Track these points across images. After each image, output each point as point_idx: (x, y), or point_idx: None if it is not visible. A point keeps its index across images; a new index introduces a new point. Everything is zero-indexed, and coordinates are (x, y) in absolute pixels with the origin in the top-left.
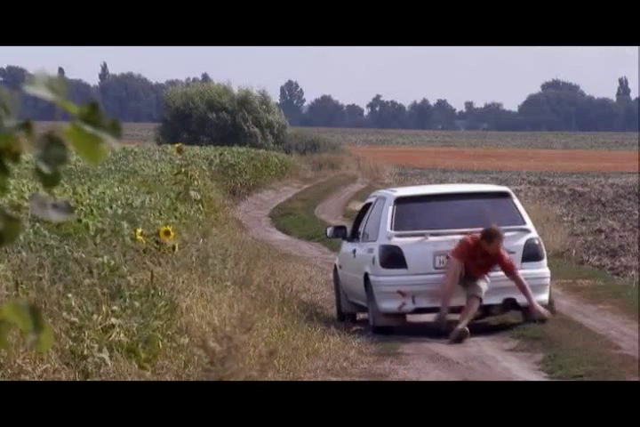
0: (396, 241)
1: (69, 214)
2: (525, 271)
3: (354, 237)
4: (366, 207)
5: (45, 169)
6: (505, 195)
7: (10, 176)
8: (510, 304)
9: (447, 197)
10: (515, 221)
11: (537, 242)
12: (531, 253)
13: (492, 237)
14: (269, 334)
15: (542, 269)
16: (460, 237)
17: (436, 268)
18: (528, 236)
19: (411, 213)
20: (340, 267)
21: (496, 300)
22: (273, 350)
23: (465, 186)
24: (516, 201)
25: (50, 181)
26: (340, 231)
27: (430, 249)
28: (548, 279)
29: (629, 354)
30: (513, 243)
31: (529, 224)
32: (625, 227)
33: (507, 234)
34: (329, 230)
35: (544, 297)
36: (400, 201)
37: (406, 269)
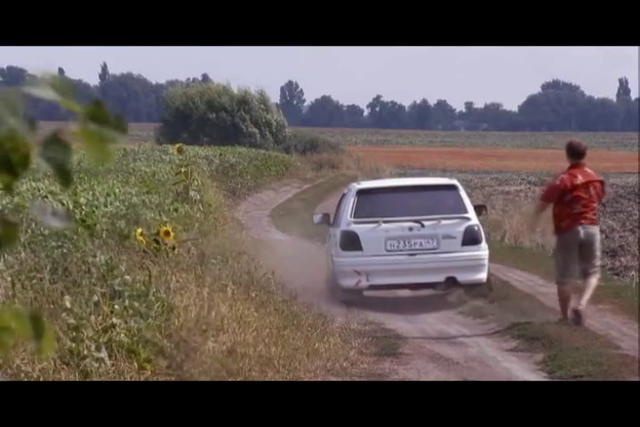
0: (354, 227)
1: (67, 223)
2: (465, 253)
3: (334, 223)
4: (343, 197)
5: (48, 169)
6: (452, 187)
7: (18, 180)
8: (452, 282)
9: (402, 189)
10: (458, 210)
11: (476, 228)
12: (470, 238)
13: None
14: (269, 333)
15: (480, 252)
16: (408, 224)
17: (387, 250)
18: (468, 223)
19: (369, 202)
20: (327, 249)
21: (439, 278)
22: (231, 350)
23: (419, 179)
24: (462, 193)
25: (64, 181)
26: (325, 218)
27: (382, 234)
28: (486, 260)
29: (629, 354)
30: (455, 229)
31: (470, 213)
32: (625, 227)
33: (451, 221)
34: (316, 218)
35: (482, 276)
36: (361, 192)
37: (362, 251)
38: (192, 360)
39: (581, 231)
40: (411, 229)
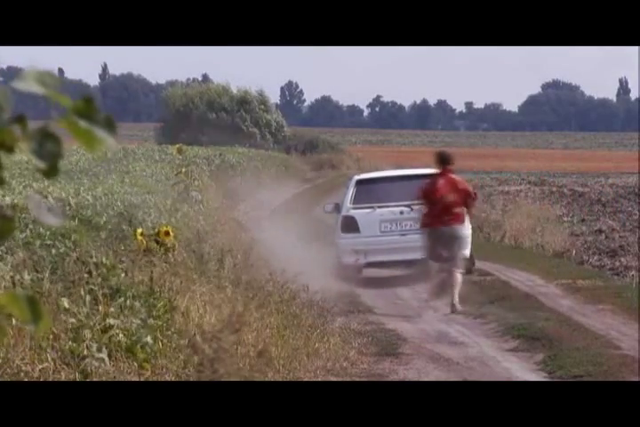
0: (353, 212)
1: (62, 219)
2: None
3: (339, 210)
4: (347, 187)
5: (40, 164)
6: None
7: (4, 168)
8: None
9: (395, 179)
10: None
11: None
12: None
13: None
14: (270, 334)
15: (463, 231)
16: (400, 208)
17: (382, 232)
18: None
19: (367, 191)
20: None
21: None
22: (262, 351)
23: (410, 170)
24: None
25: (49, 173)
26: (335, 207)
27: (377, 218)
28: (468, 238)
29: (629, 354)
30: None
31: None
32: (625, 227)
33: None
34: (328, 207)
35: (465, 252)
36: (360, 182)
37: (359, 233)
38: (223, 360)
39: (444, 231)
40: (402, 212)
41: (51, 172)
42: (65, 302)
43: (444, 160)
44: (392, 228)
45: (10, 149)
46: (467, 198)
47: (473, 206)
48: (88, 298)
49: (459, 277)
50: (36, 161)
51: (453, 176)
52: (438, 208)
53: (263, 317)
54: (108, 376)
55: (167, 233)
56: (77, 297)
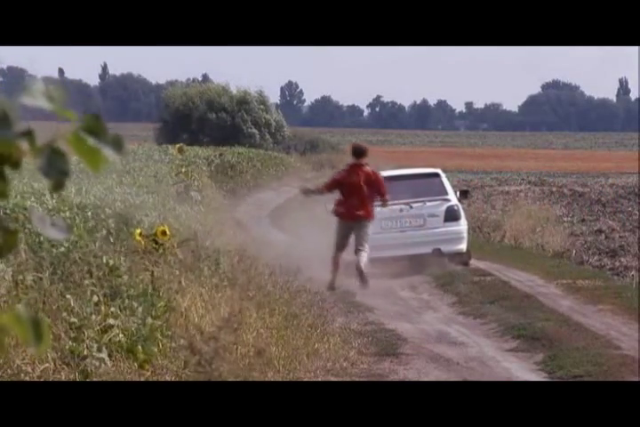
0: None
1: (67, 233)
2: (447, 229)
3: None
4: None
5: (47, 180)
6: (436, 175)
7: (9, 183)
8: (438, 253)
9: (394, 178)
10: (441, 193)
11: (455, 208)
12: (450, 216)
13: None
14: (269, 334)
15: (459, 227)
16: (399, 206)
17: (382, 228)
18: (449, 203)
19: None
20: None
21: (426, 250)
22: (261, 350)
23: (409, 170)
24: (444, 180)
25: (54, 188)
26: None
27: (378, 216)
28: (465, 233)
29: (629, 354)
30: (438, 208)
31: (450, 195)
32: (625, 227)
33: (434, 203)
34: (330, 208)
35: (462, 246)
36: None
37: None
38: (221, 358)
39: (354, 223)
40: (401, 210)
41: (56, 187)
42: (71, 301)
43: (358, 153)
44: (392, 225)
45: (16, 165)
46: (380, 189)
47: (386, 195)
48: (89, 298)
49: (364, 254)
50: (43, 178)
51: (366, 169)
52: (351, 199)
53: (263, 317)
54: (107, 376)
55: (164, 233)
56: (78, 297)
